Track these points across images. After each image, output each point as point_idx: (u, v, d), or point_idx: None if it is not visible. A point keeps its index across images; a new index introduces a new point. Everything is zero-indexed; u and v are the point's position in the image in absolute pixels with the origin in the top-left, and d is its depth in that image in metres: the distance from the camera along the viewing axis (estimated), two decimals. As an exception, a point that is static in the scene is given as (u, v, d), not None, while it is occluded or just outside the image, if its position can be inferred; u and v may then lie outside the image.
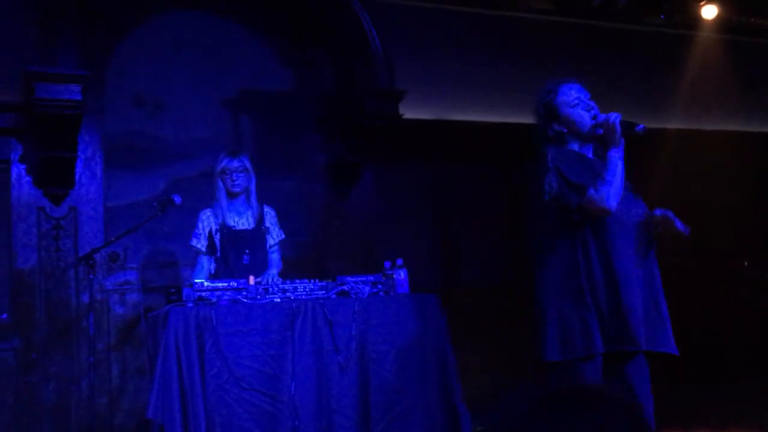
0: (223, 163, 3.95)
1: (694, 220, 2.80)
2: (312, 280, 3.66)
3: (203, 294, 3.42)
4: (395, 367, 3.52)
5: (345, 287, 3.63)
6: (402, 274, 3.71)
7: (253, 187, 4.00)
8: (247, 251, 3.93)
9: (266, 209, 4.08)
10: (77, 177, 4.64)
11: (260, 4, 5.22)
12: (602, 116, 2.71)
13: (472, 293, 5.47)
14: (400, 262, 3.75)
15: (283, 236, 4.12)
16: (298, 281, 3.64)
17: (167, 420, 3.13)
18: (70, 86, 4.19)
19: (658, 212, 2.73)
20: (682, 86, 6.42)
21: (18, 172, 4.54)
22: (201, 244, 3.94)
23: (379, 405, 3.47)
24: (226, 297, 3.43)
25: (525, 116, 5.91)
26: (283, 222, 4.19)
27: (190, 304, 3.34)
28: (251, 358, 3.31)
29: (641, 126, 2.63)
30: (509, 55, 5.79)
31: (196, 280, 3.52)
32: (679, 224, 2.70)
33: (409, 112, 5.17)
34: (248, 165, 3.97)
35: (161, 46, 5.01)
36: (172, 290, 3.57)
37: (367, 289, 3.65)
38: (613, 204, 2.60)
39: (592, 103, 2.78)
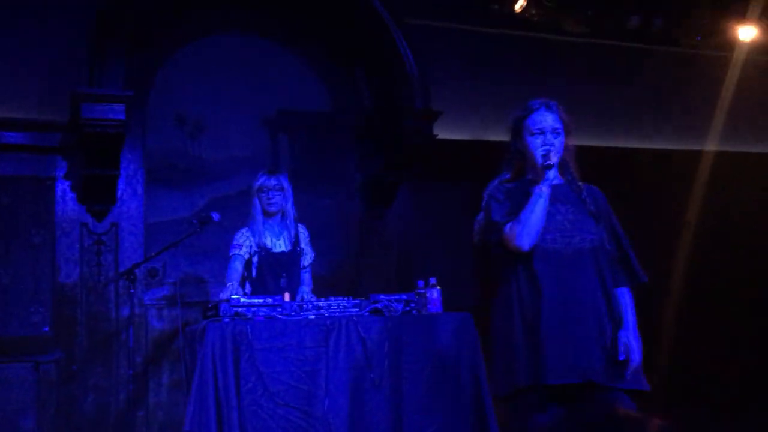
0: (260, 181, 3.99)
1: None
2: (346, 298, 3.70)
3: (239, 310, 3.48)
4: (428, 386, 3.53)
5: (378, 305, 3.66)
6: (435, 293, 3.73)
7: (289, 207, 4.02)
8: (284, 274, 3.97)
9: (300, 229, 4.11)
10: (119, 194, 4.77)
11: (299, 26, 5.33)
12: (540, 157, 2.63)
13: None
14: (433, 281, 3.77)
15: (314, 256, 4.17)
16: (332, 299, 3.68)
17: (203, 433, 3.18)
18: (114, 106, 4.33)
19: (621, 335, 2.58)
20: (719, 108, 6.37)
21: (63, 188, 4.68)
22: (242, 251, 3.93)
23: (412, 424, 3.47)
24: (261, 313, 3.49)
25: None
26: (319, 240, 4.24)
27: (227, 320, 3.40)
28: (286, 373, 3.35)
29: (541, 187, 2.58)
30: (543, 76, 5.80)
31: (231, 295, 3.58)
32: (633, 357, 2.55)
33: (445, 132, 5.22)
34: (285, 184, 4.01)
35: (202, 66, 5.15)
36: (210, 305, 3.64)
37: (399, 307, 3.67)
38: (523, 242, 2.56)
39: (551, 142, 2.66)
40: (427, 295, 3.71)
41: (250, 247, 3.95)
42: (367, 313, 3.63)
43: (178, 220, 4.91)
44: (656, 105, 6.29)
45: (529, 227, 2.57)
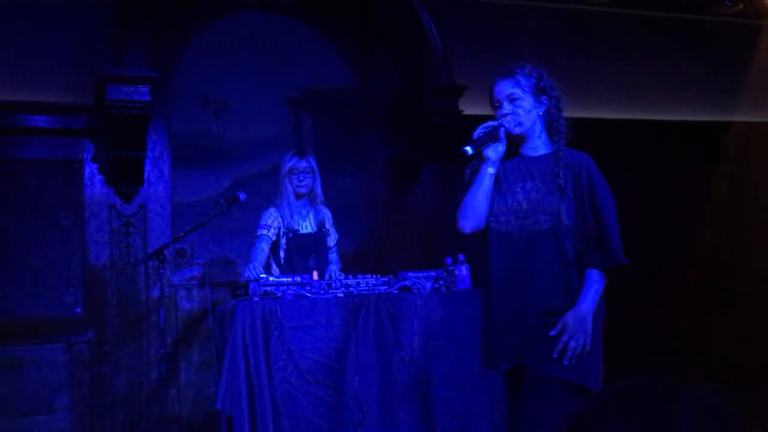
0: (292, 163, 3.98)
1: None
2: (374, 276, 3.70)
3: (268, 289, 3.49)
4: (458, 363, 3.52)
5: (407, 282, 3.65)
6: (464, 270, 3.71)
7: (318, 188, 4.03)
8: (312, 255, 3.98)
9: (324, 210, 4.12)
10: (146, 175, 4.79)
11: (322, 4, 5.29)
12: (481, 129, 2.46)
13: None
14: (461, 257, 3.75)
15: (338, 237, 4.17)
16: (360, 276, 3.68)
17: (235, 411, 3.20)
18: (139, 87, 4.34)
19: (565, 315, 2.37)
20: (750, 77, 6.24)
21: (90, 171, 4.71)
22: (270, 232, 3.95)
23: (442, 400, 3.48)
24: (290, 292, 3.49)
25: (587, 110, 5.85)
26: (343, 219, 4.24)
27: (256, 299, 3.41)
28: (315, 351, 3.36)
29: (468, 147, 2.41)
30: (569, 48, 5.71)
31: (260, 274, 3.59)
32: (571, 341, 2.33)
33: (470, 108, 5.16)
34: (314, 165, 4.02)
35: (226, 46, 5.13)
36: (239, 285, 3.66)
37: (428, 284, 3.66)
38: (462, 225, 2.49)
39: (507, 110, 2.47)
40: (456, 272, 3.69)
41: (278, 228, 3.96)
42: (395, 291, 3.62)
43: (204, 201, 4.94)
44: (685, 75, 6.17)
45: (466, 210, 2.48)
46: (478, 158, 2.52)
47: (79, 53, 4.68)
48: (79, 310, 4.62)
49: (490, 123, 2.47)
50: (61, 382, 4.49)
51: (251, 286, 3.49)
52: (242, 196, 3.97)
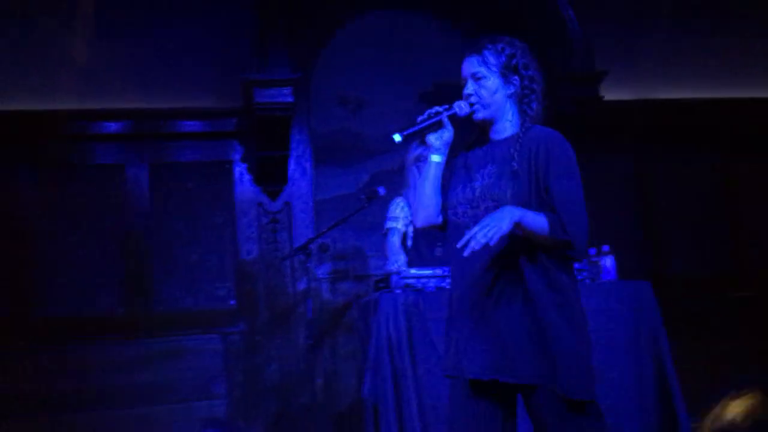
0: (418, 151, 3.93)
1: None
2: (515, 268, 3.65)
3: (410, 281, 3.54)
4: (605, 357, 3.40)
5: (549, 274, 3.58)
6: (609, 261, 3.60)
7: None
8: (439, 244, 3.98)
9: None
10: (290, 174, 5.00)
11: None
12: (425, 115, 2.22)
13: (680, 285, 5.15)
14: (606, 248, 3.64)
15: None
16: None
17: (381, 400, 3.28)
18: (282, 89, 4.53)
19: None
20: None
21: (240, 171, 4.98)
22: (399, 224, 4.00)
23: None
24: (431, 284, 3.53)
25: (743, 89, 5.47)
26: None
27: (398, 291, 3.48)
28: (458, 343, 3.37)
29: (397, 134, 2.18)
30: (721, 23, 5.36)
31: (401, 267, 3.65)
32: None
33: (610, 93, 4.98)
34: None
35: (360, 46, 5.26)
36: (380, 278, 3.74)
37: (571, 276, 3.57)
38: (415, 219, 2.32)
39: (469, 91, 2.22)
40: (600, 262, 3.59)
41: (406, 218, 4.00)
42: (537, 283, 3.56)
43: (344, 197, 5.10)
44: None
45: (416, 202, 2.31)
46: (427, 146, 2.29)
47: (226, 60, 4.95)
48: (232, 302, 4.90)
49: (436, 108, 2.24)
50: (218, 370, 4.78)
51: (393, 278, 3.55)
52: (382, 191, 4.04)
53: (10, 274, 4.60)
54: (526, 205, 2.09)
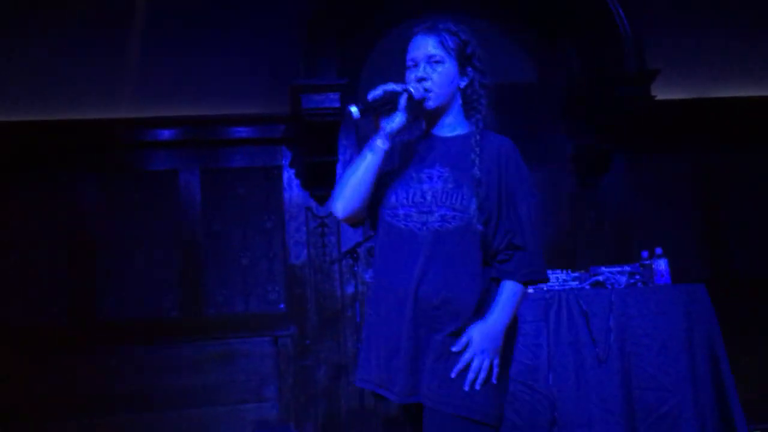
0: None
1: None
2: (565, 271, 3.61)
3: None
4: (660, 362, 3.35)
5: (600, 278, 3.53)
6: (662, 264, 3.53)
7: None
8: None
9: None
10: (337, 178, 5.03)
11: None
12: (379, 89, 1.95)
13: (744, 286, 5.02)
14: (659, 251, 3.57)
15: None
16: (550, 272, 3.60)
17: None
18: (330, 95, 4.56)
19: (472, 332, 1.91)
20: None
21: (288, 176, 5.04)
22: None
23: (643, 401, 3.33)
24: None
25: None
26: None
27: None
28: (507, 347, 3.34)
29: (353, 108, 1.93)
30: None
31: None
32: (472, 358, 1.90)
33: (663, 92, 4.87)
34: None
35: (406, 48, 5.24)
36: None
37: (623, 279, 3.51)
38: (335, 207, 2.01)
39: (422, 74, 1.98)
40: (653, 266, 3.52)
41: None
42: (588, 286, 3.51)
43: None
44: None
45: (342, 189, 1.99)
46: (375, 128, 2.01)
47: (274, 67, 5.01)
48: (282, 306, 4.96)
49: (393, 86, 1.96)
50: (269, 374, 4.84)
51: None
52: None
53: (68, 278, 4.74)
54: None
